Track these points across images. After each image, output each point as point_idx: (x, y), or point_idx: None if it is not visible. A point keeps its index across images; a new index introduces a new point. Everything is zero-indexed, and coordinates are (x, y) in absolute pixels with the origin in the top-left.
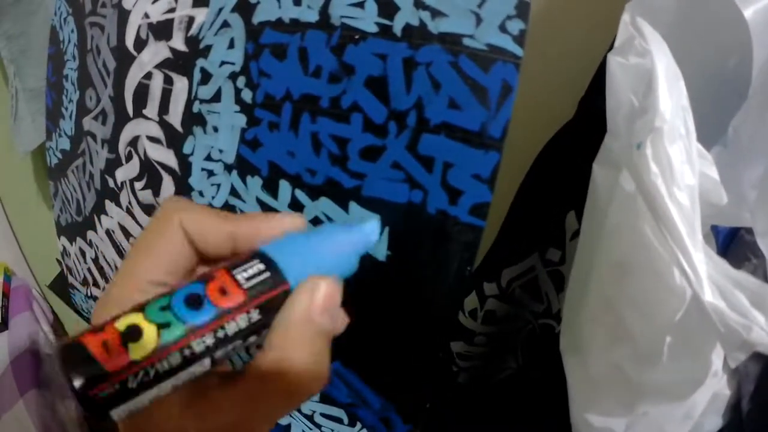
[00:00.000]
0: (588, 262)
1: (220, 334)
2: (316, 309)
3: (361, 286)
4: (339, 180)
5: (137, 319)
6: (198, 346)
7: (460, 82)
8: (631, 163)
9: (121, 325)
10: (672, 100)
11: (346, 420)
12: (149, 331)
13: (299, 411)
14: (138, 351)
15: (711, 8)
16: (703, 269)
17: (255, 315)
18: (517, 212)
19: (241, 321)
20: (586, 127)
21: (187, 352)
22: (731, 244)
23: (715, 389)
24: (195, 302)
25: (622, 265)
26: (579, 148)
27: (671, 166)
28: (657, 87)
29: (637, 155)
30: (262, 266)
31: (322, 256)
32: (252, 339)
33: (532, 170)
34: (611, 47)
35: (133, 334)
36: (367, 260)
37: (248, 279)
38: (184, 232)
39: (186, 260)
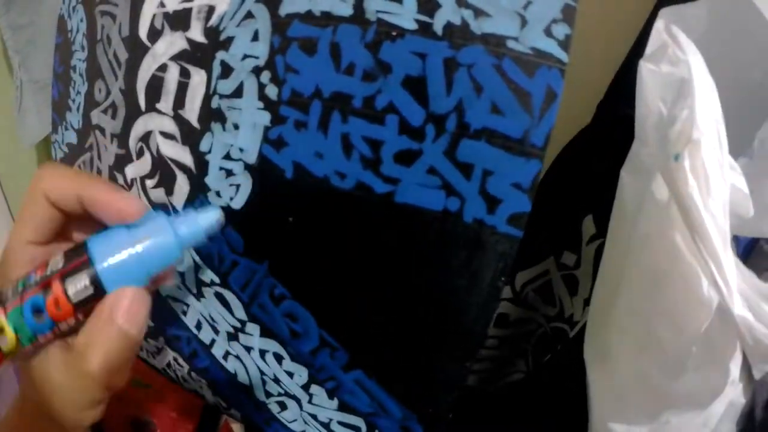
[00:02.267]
0: (616, 270)
1: (57, 332)
2: (117, 312)
3: (392, 296)
4: (370, 184)
5: (3, 324)
6: (43, 341)
7: (503, 86)
8: (668, 174)
9: None
10: (708, 111)
11: (364, 429)
12: (11, 337)
13: (315, 419)
14: (6, 348)
15: (740, 20)
16: (734, 281)
17: (81, 317)
18: (533, 215)
19: (71, 322)
20: (604, 131)
21: (36, 344)
22: (751, 254)
23: (731, 398)
24: (38, 315)
25: (652, 273)
26: (597, 152)
27: (707, 178)
28: (695, 98)
29: (675, 167)
30: (87, 281)
31: (142, 257)
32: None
33: (550, 174)
34: (631, 52)
35: (2, 336)
36: (400, 268)
37: (75, 294)
38: (45, 197)
39: (50, 221)
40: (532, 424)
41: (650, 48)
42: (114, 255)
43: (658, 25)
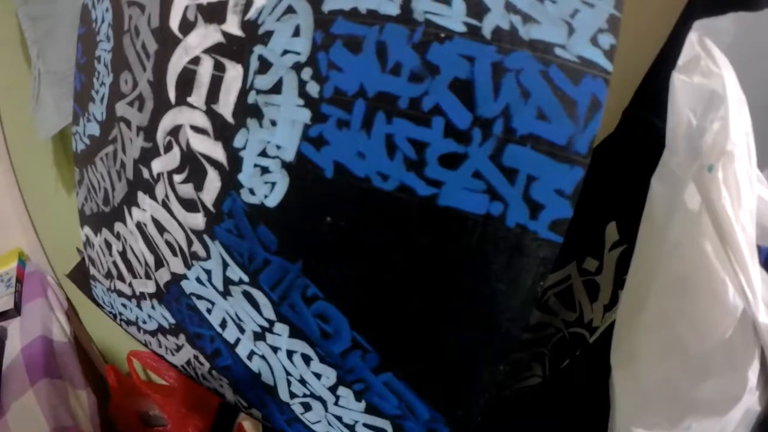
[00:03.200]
0: (645, 276)
1: None
2: None
3: (429, 300)
4: (413, 186)
5: None
6: None
7: (549, 93)
8: (701, 184)
9: None
10: (740, 124)
11: (390, 431)
12: None
13: (340, 420)
14: None
15: (766, 35)
16: (760, 291)
17: None
18: None
19: None
20: (629, 139)
21: None
22: None
23: (748, 405)
24: None
25: (681, 280)
26: (621, 159)
27: (738, 190)
28: (728, 111)
29: (709, 178)
30: None
31: None
32: None
33: None
34: (657, 60)
35: None
36: (439, 271)
37: None
38: None
39: None
40: (548, 428)
41: (683, 59)
42: None
43: (692, 37)
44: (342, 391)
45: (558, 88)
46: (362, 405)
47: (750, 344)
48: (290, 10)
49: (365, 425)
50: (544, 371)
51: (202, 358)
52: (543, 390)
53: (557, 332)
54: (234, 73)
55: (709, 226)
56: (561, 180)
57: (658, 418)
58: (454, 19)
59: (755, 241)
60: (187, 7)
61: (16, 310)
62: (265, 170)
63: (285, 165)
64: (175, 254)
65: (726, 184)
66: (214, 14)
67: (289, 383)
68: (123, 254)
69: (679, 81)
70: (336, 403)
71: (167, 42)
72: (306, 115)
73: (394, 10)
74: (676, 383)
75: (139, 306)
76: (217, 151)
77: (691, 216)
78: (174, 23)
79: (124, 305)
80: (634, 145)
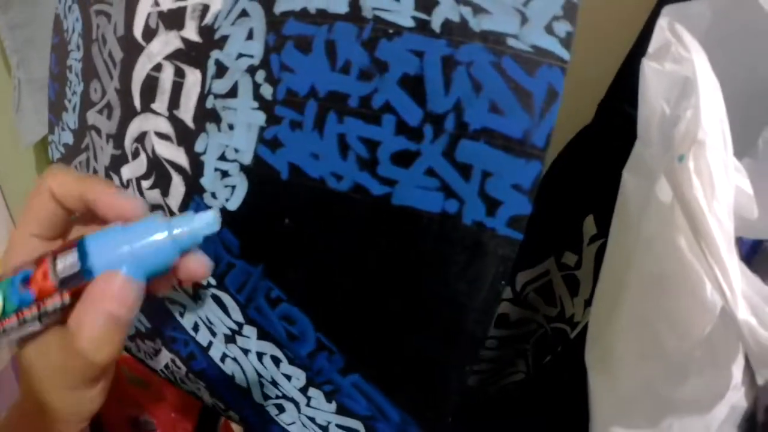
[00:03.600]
0: (619, 273)
1: (41, 309)
2: (106, 294)
3: (389, 300)
4: (367, 186)
5: None
6: (29, 316)
7: (503, 85)
8: (672, 175)
9: None
10: (712, 112)
11: None
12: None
13: (314, 422)
14: None
15: (744, 18)
16: (739, 286)
17: (66, 299)
18: (534, 216)
19: (56, 302)
20: (605, 130)
21: (21, 319)
22: (755, 255)
23: (733, 402)
24: (24, 285)
25: (655, 277)
26: (599, 152)
27: (711, 180)
28: (699, 98)
29: (679, 168)
30: (75, 261)
31: (134, 253)
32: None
33: (550, 173)
34: (633, 50)
35: None
36: (397, 271)
37: (62, 270)
38: (50, 194)
39: (54, 216)
40: (532, 424)
41: (653, 46)
42: (106, 248)
43: (662, 22)
44: (313, 392)
45: (512, 79)
46: (333, 406)
47: (733, 340)
48: (244, 13)
49: (338, 426)
50: (527, 367)
51: (178, 362)
52: (526, 386)
53: (539, 328)
54: (193, 78)
55: (681, 220)
56: (518, 175)
57: (638, 419)
58: (403, 14)
59: (733, 233)
60: (149, 15)
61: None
62: (225, 174)
63: (243, 168)
64: None
65: (698, 174)
66: (174, 21)
67: (262, 385)
68: None
69: (650, 68)
70: (308, 405)
71: (131, 50)
72: (261, 117)
73: (343, 8)
74: (656, 384)
75: None
76: (180, 157)
77: (663, 209)
78: (137, 31)
79: None
80: (611, 137)
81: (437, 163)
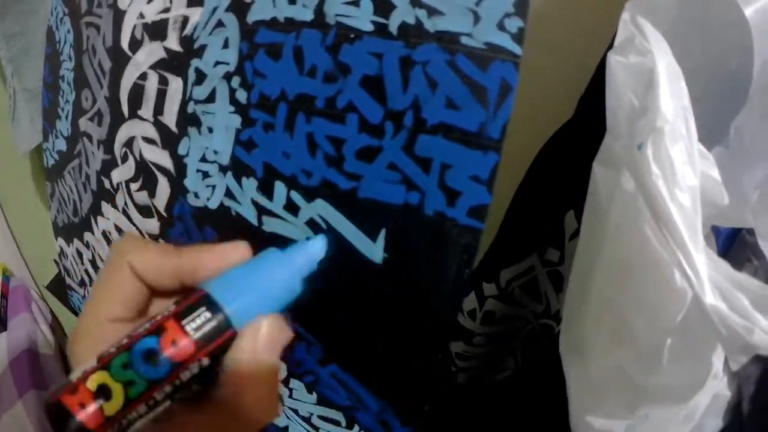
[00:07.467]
0: (589, 263)
1: (177, 382)
2: (261, 349)
3: (358, 290)
4: (335, 181)
5: (105, 378)
6: (159, 395)
7: (458, 82)
8: (632, 164)
9: (92, 385)
10: (673, 100)
11: (344, 422)
12: (117, 390)
13: (297, 413)
14: (110, 408)
15: (712, 8)
16: (704, 271)
17: (206, 361)
18: (515, 212)
19: (193, 368)
20: (585, 126)
21: (150, 402)
22: (732, 245)
23: (715, 391)
24: (152, 358)
25: (624, 265)
26: (578, 147)
27: (672, 167)
28: (658, 87)
29: (638, 156)
30: (208, 314)
31: (264, 291)
32: (205, 377)
33: (531, 170)
34: (611, 46)
35: (104, 394)
36: (364, 264)
37: (196, 329)
38: (132, 272)
39: (138, 296)
40: (521, 420)
41: (618, 40)
42: (234, 290)
43: (624, 16)
44: (294, 383)
45: (466, 75)
46: (314, 397)
47: (711, 329)
48: (220, 24)
49: (320, 417)
50: (516, 364)
51: None
52: (515, 382)
53: (527, 324)
54: (176, 85)
55: (644, 207)
56: (476, 166)
57: (612, 407)
58: (363, 19)
59: (700, 219)
60: (135, 27)
61: (2, 325)
62: (206, 174)
63: (222, 168)
64: None
65: (657, 161)
66: (157, 32)
67: None
68: (93, 262)
69: (616, 62)
70: (290, 396)
71: (119, 60)
72: (237, 120)
73: (308, 16)
74: (628, 371)
75: None
76: (165, 160)
77: (629, 198)
78: (125, 42)
79: None
80: (589, 132)
81: (398, 158)
